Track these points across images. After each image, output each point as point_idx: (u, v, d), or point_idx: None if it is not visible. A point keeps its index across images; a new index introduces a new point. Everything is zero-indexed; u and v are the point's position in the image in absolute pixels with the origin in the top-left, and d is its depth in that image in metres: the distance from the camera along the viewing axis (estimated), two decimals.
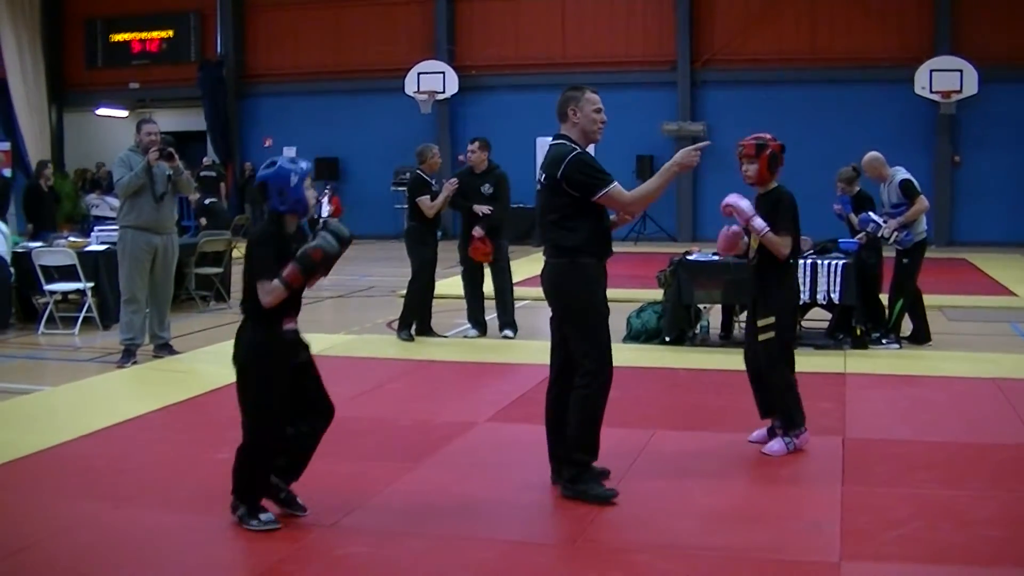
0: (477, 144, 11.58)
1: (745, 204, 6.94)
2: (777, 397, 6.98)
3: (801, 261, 10.31)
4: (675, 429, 7.49)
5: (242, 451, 5.42)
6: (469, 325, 11.92)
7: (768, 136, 7.16)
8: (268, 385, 5.37)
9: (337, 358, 10.50)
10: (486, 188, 11.39)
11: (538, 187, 6.21)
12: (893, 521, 5.58)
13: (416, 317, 11.62)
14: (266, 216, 5.55)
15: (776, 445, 6.91)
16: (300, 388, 5.53)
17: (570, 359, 6.11)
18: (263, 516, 5.39)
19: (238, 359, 5.45)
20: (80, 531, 5.52)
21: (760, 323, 6.98)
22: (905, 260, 10.84)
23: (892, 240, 10.62)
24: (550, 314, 6.21)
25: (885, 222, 10.57)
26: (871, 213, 10.67)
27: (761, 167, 7.02)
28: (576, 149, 6.09)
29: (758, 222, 6.85)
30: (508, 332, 11.63)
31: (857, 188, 11.08)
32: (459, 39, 27.55)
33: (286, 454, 5.57)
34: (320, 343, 11.13)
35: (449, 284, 13.90)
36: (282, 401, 5.40)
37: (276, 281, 5.25)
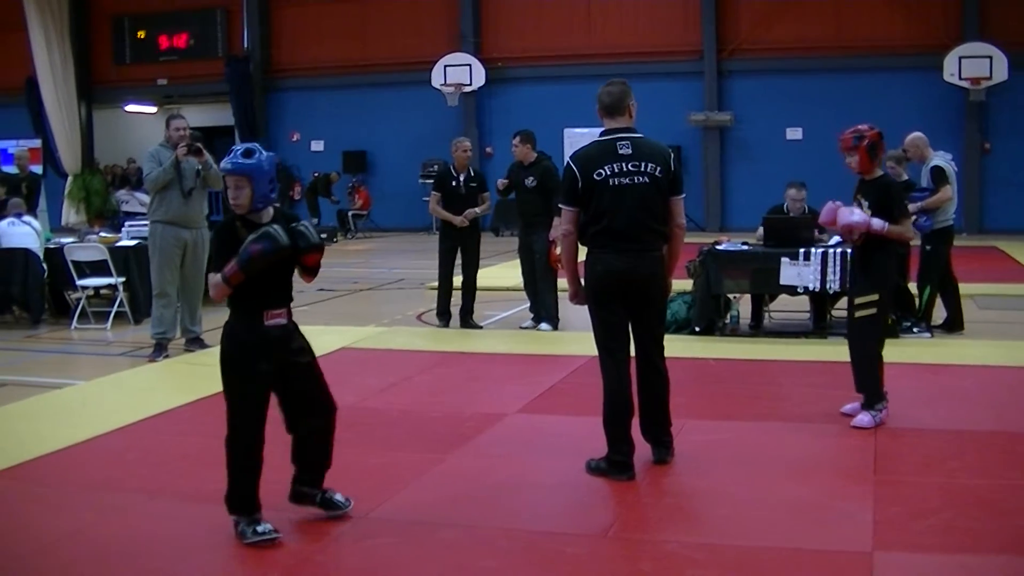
0: (518, 138, 11.51)
1: (857, 217, 7.21)
2: (865, 372, 7.28)
3: (832, 250, 10.28)
4: (705, 419, 7.47)
5: (226, 446, 5.29)
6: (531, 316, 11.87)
7: (865, 127, 7.37)
8: (242, 380, 5.20)
9: (367, 350, 10.56)
10: (530, 181, 11.34)
11: (640, 179, 6.17)
12: (925, 511, 5.55)
13: (460, 305, 11.81)
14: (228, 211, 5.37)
15: (864, 418, 7.18)
16: (298, 390, 5.38)
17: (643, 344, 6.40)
18: (259, 528, 5.20)
19: (220, 351, 5.31)
20: (114, 523, 5.56)
21: (862, 300, 7.27)
22: (928, 247, 10.78)
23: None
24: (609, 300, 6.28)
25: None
26: None
27: (862, 157, 7.28)
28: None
29: (877, 223, 7.15)
30: (544, 325, 11.52)
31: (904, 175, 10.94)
32: (485, 31, 27.55)
33: (297, 461, 5.48)
34: (351, 335, 11.25)
35: (482, 275, 13.83)
36: (255, 399, 5.20)
37: (219, 276, 5.09)
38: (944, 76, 23.58)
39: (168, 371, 9.92)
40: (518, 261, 11.92)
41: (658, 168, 6.18)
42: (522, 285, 12.03)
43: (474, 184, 11.72)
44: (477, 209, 11.64)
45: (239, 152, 5.22)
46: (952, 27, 24.24)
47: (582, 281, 6.39)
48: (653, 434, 6.47)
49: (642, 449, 6.34)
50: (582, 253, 6.36)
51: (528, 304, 11.95)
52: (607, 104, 6.31)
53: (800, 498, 5.86)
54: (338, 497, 5.62)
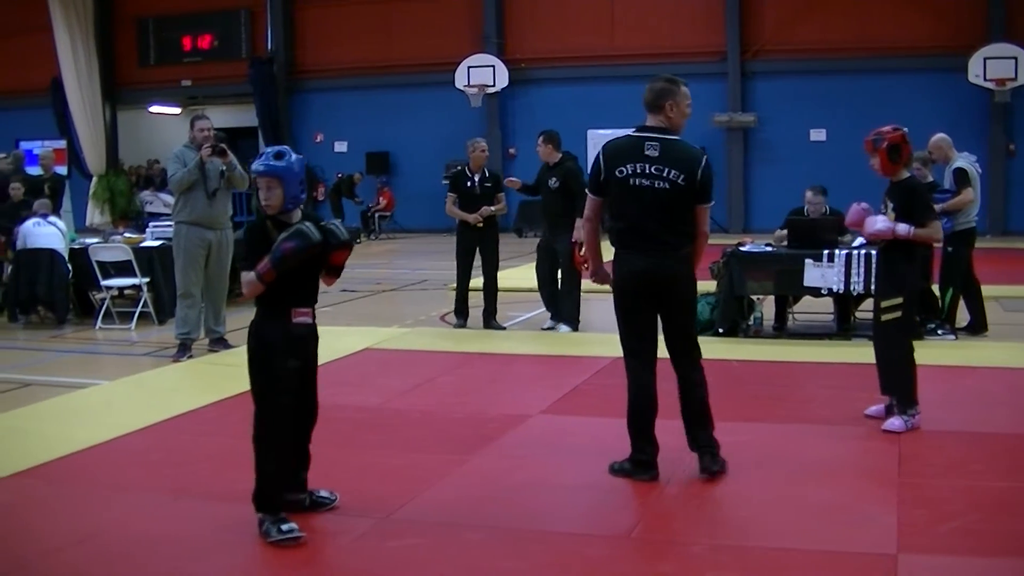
0: (542, 138, 11.52)
1: (880, 225, 7.18)
2: (895, 375, 7.22)
3: (856, 252, 10.25)
4: (728, 421, 7.42)
5: (253, 444, 5.33)
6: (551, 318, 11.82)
7: (887, 129, 7.32)
8: (270, 378, 5.24)
9: (391, 351, 10.57)
10: (553, 182, 11.32)
11: (660, 184, 6.08)
12: (949, 513, 5.53)
13: (483, 307, 11.80)
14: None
15: (896, 422, 7.12)
16: (305, 392, 5.44)
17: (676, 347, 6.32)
18: (284, 527, 5.21)
19: (248, 348, 5.35)
20: (139, 523, 5.58)
21: (887, 304, 7.22)
22: (949, 249, 10.72)
23: None
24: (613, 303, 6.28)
25: None
26: None
27: (882, 160, 7.22)
28: (703, 152, 6.33)
29: (903, 228, 7.12)
30: (563, 327, 11.48)
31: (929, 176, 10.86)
32: (508, 32, 27.56)
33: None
34: (374, 336, 11.26)
35: (504, 276, 13.86)
36: (284, 396, 5.25)
37: (252, 273, 5.17)
38: (969, 77, 23.46)
39: (192, 371, 9.97)
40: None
41: (681, 176, 6.07)
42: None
43: (489, 184, 11.71)
44: (492, 208, 11.64)
45: (270, 154, 5.32)
46: (977, 28, 24.10)
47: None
48: (699, 439, 6.33)
49: (666, 451, 6.30)
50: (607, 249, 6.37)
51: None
52: (646, 99, 6.33)
53: (824, 500, 5.85)
54: (323, 493, 5.68)
